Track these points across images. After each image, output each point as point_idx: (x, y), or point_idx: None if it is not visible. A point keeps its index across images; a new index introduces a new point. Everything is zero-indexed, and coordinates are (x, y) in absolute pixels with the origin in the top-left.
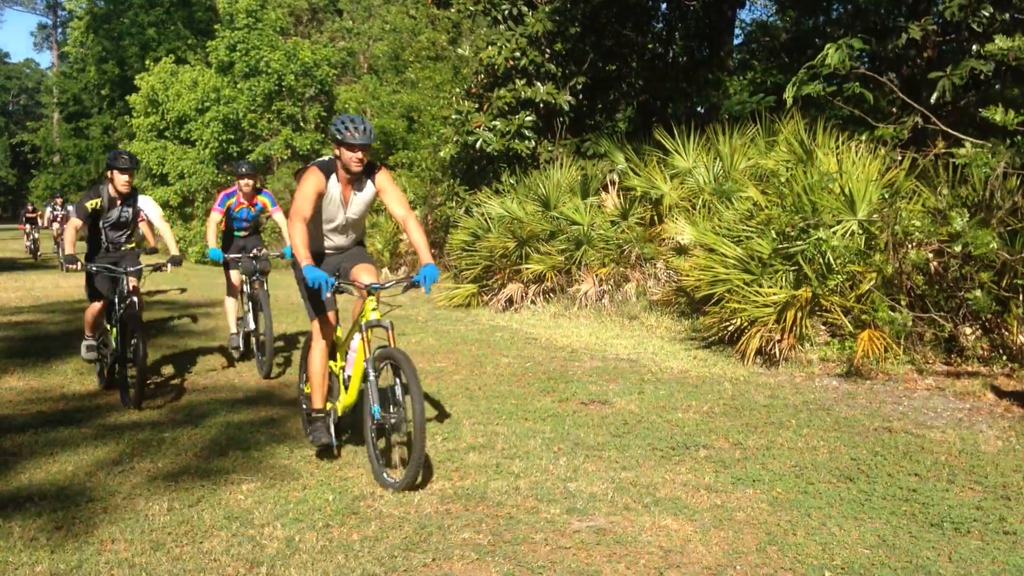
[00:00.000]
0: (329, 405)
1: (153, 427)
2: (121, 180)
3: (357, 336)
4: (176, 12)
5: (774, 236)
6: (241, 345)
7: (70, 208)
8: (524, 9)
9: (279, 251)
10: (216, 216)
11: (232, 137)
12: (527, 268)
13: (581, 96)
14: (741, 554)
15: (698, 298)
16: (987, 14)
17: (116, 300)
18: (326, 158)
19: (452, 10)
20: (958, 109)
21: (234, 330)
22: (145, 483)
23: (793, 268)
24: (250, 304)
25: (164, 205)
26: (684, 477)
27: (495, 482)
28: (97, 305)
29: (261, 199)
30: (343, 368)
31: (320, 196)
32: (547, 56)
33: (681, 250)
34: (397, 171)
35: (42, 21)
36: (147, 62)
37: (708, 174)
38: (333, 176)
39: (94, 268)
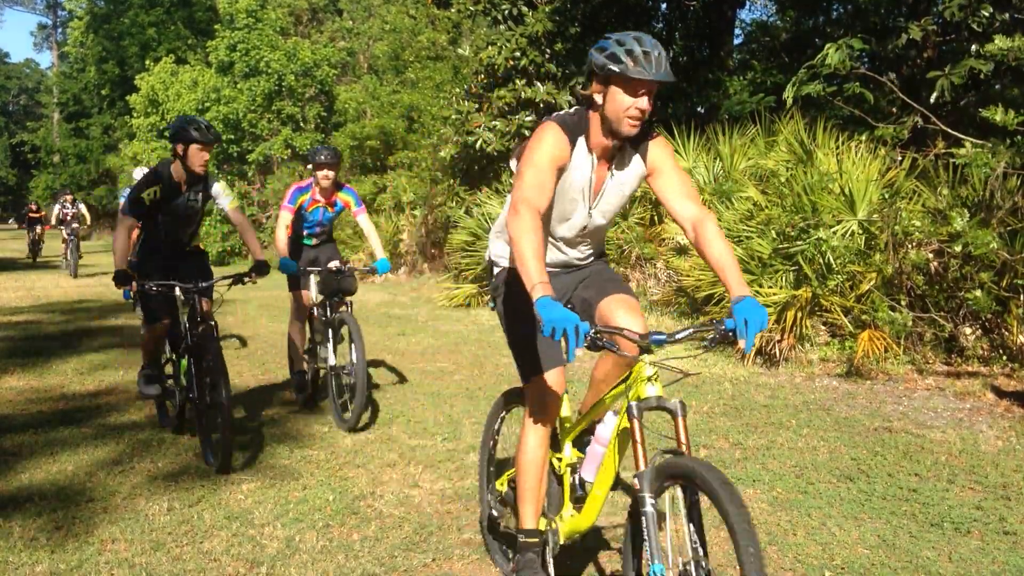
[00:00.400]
0: (545, 524)
1: (153, 427)
2: (200, 158)
3: (611, 420)
4: (176, 12)
5: (774, 236)
6: (310, 386)
7: (81, 206)
8: (524, 9)
9: (367, 264)
10: (286, 216)
11: (232, 137)
12: None
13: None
14: None
15: (698, 298)
16: (987, 14)
17: (184, 325)
18: (571, 111)
19: (452, 10)
20: (958, 109)
21: (302, 366)
22: (145, 483)
23: (793, 268)
24: (329, 333)
25: None
26: None
27: None
28: (157, 328)
29: (343, 197)
30: (572, 467)
31: (561, 172)
32: (547, 56)
33: (681, 250)
34: (397, 171)
35: (42, 21)
36: (147, 62)
37: (708, 174)
38: (582, 142)
39: (154, 288)
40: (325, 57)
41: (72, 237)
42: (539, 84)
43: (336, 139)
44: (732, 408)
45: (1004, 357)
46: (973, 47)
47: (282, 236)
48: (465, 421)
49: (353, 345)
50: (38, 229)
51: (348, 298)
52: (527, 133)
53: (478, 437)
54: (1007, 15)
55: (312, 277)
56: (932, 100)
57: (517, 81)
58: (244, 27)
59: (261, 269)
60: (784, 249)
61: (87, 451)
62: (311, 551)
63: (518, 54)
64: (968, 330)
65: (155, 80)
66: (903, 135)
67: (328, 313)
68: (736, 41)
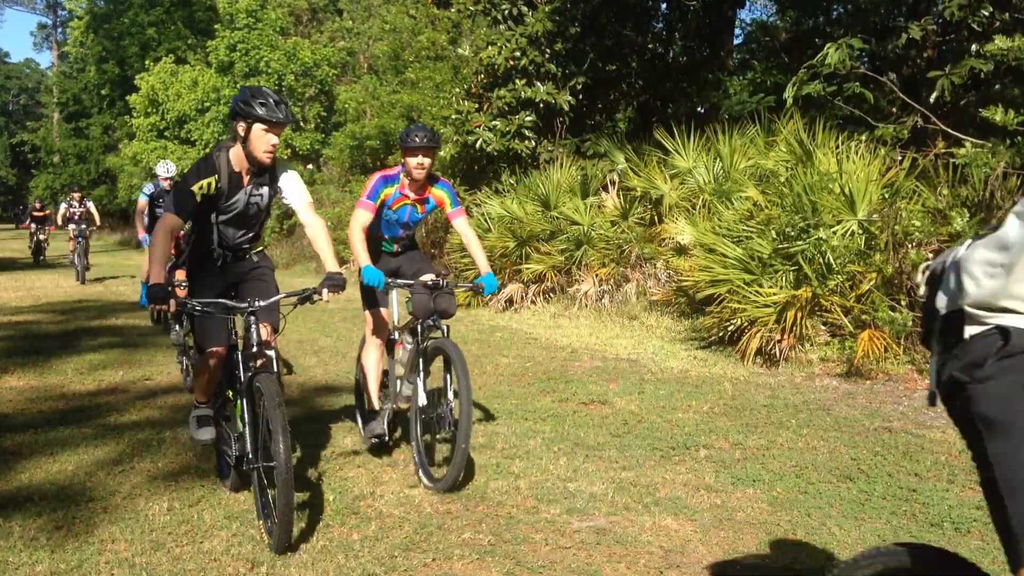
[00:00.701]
0: None
1: (153, 427)
2: (266, 141)
3: None
4: (176, 12)
5: (774, 236)
6: (386, 432)
7: (89, 205)
8: (524, 9)
9: (469, 281)
10: (365, 216)
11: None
12: (527, 268)
13: (581, 96)
14: (741, 554)
15: (698, 298)
16: (987, 14)
17: (240, 356)
18: None
19: (452, 10)
20: (958, 109)
21: (375, 404)
22: (145, 483)
23: (793, 268)
24: (420, 365)
25: None
26: (684, 477)
27: (495, 482)
28: (213, 355)
29: (437, 193)
30: None
31: None
32: (547, 56)
33: (681, 250)
34: None
35: (42, 21)
36: (147, 62)
37: (708, 174)
38: None
39: (198, 308)
40: (325, 57)
41: (80, 239)
42: (539, 84)
43: (336, 139)
44: (732, 408)
45: None
46: (973, 47)
47: (358, 236)
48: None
49: (456, 383)
50: (39, 229)
51: (444, 322)
52: (527, 133)
53: (478, 438)
54: (1007, 15)
55: (394, 293)
56: (932, 100)
57: (517, 81)
58: (244, 27)
59: (335, 284)
60: (784, 249)
61: (87, 451)
62: (311, 551)
63: (518, 54)
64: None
65: (155, 80)
66: (903, 135)
67: (420, 339)
68: (736, 41)
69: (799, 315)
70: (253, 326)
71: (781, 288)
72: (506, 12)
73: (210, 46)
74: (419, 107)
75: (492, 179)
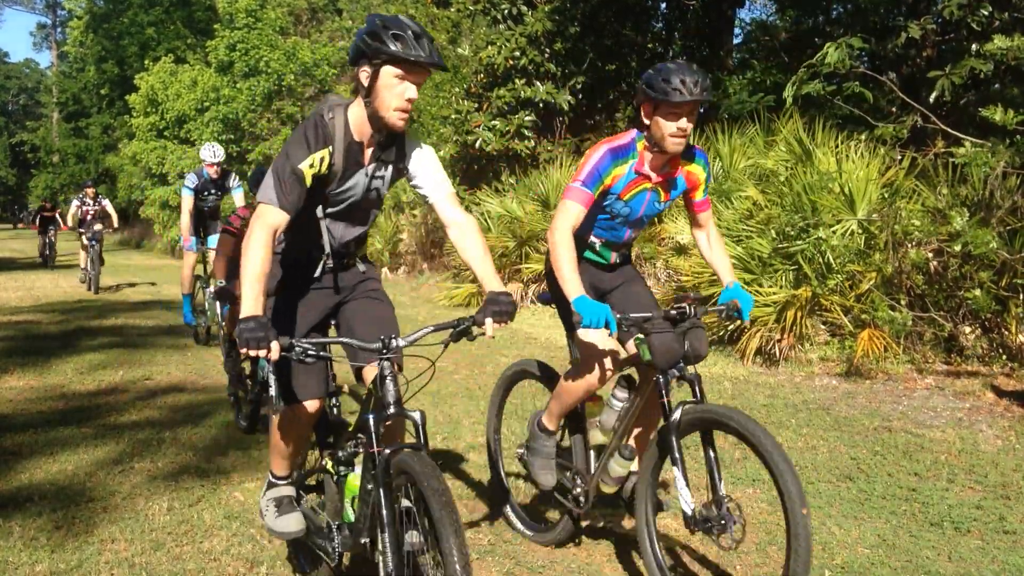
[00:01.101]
0: None
1: (153, 427)
2: (400, 95)
3: None
4: (175, 12)
5: (774, 235)
6: (576, 521)
7: (105, 203)
8: (524, 9)
9: (730, 305)
10: (578, 212)
11: (232, 137)
12: (527, 268)
13: (581, 96)
14: (741, 554)
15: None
16: (986, 13)
17: (370, 419)
18: None
19: (452, 10)
20: (958, 109)
21: (554, 425)
22: (145, 483)
23: (793, 268)
24: (672, 444)
25: (164, 206)
26: None
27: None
28: (308, 411)
29: (693, 172)
30: None
31: None
32: (547, 56)
33: (681, 250)
34: None
35: (42, 21)
36: (146, 62)
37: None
38: None
39: (312, 352)
40: (325, 57)
41: (94, 243)
42: (539, 83)
43: None
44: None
45: (1003, 356)
46: (973, 46)
47: (570, 250)
48: (465, 421)
49: (776, 482)
50: (51, 231)
51: (692, 368)
52: (527, 133)
53: (478, 437)
54: (1006, 14)
55: (652, 332)
56: (932, 99)
57: (517, 80)
58: (243, 27)
59: (503, 312)
60: (784, 248)
61: (87, 451)
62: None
63: (517, 54)
64: (968, 329)
65: (154, 80)
66: (903, 134)
67: (665, 399)
68: (736, 40)
69: (799, 315)
70: (389, 375)
71: (781, 288)
72: (506, 12)
73: (209, 46)
74: (419, 107)
75: (492, 179)
